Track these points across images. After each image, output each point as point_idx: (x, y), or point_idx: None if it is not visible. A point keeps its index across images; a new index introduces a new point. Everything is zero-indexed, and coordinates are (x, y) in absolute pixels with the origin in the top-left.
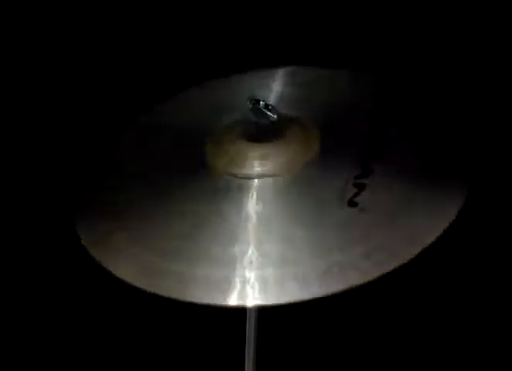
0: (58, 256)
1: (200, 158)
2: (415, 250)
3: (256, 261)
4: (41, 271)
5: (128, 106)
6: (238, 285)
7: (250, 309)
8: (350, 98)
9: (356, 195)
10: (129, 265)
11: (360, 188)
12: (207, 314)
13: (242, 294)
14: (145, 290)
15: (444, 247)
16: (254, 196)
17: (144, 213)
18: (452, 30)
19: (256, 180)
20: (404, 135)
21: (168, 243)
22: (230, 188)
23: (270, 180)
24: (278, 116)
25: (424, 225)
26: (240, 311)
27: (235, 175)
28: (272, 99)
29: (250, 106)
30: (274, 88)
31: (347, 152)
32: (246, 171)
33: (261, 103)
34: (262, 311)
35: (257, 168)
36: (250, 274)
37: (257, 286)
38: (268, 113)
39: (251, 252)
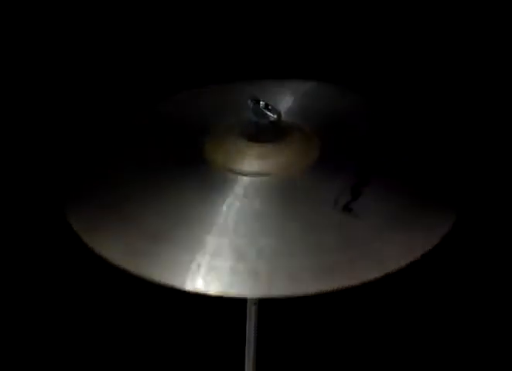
0: (49, 241)
1: (199, 153)
2: (403, 262)
3: (223, 252)
4: (34, 259)
5: (129, 100)
6: (196, 270)
7: (251, 308)
8: (351, 114)
9: (351, 201)
10: (117, 247)
11: (356, 195)
12: (207, 314)
13: (195, 279)
14: (130, 271)
15: (442, 249)
16: (244, 192)
17: (135, 198)
18: (443, 57)
19: (249, 177)
20: (401, 152)
21: (155, 228)
22: (225, 183)
23: (264, 179)
24: (279, 120)
25: (415, 239)
26: (241, 310)
27: (231, 171)
28: (278, 107)
29: (251, 105)
30: (281, 97)
31: (345, 162)
32: (243, 168)
33: (261, 103)
34: (262, 310)
35: (254, 166)
36: (212, 262)
37: (213, 275)
38: (268, 113)
39: (221, 243)
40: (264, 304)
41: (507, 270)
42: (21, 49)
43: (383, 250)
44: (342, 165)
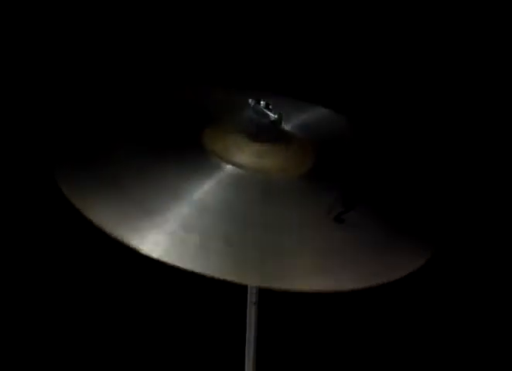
0: (40, 207)
1: (197, 139)
2: (383, 279)
3: (187, 226)
4: (28, 227)
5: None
6: (151, 235)
7: (251, 308)
8: (350, 135)
9: (344, 212)
10: (103, 209)
11: (350, 207)
12: (207, 314)
13: (147, 239)
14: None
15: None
16: (226, 181)
17: (128, 169)
18: (432, 87)
19: (236, 168)
20: (385, 179)
21: (140, 196)
22: (214, 168)
23: (253, 175)
24: (280, 122)
25: (400, 259)
26: (241, 310)
27: (226, 160)
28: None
29: (252, 105)
30: (291, 114)
31: (336, 179)
32: (235, 159)
33: (262, 103)
34: (262, 310)
35: (246, 161)
36: (178, 233)
37: (163, 243)
38: (268, 113)
39: (189, 216)
40: (264, 304)
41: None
42: (18, 30)
43: (366, 264)
44: (332, 181)
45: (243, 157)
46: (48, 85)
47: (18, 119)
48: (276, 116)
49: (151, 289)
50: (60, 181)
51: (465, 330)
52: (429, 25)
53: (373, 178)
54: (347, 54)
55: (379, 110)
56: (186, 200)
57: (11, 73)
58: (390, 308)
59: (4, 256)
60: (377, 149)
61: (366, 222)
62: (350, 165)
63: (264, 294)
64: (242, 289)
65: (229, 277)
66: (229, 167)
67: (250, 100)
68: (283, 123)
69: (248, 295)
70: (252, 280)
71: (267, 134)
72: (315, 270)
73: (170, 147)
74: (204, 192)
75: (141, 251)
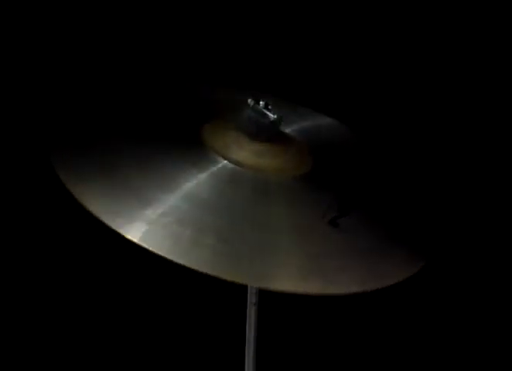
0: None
1: (197, 131)
2: (373, 286)
3: (175, 218)
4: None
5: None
6: (143, 223)
7: (250, 309)
8: (347, 146)
9: (338, 217)
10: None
11: (345, 212)
12: (207, 315)
13: (135, 227)
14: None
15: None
16: (215, 172)
17: (126, 158)
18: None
19: (225, 161)
20: (380, 189)
21: (134, 182)
22: (212, 163)
23: (250, 173)
24: (279, 123)
25: (392, 266)
26: (240, 311)
27: (223, 156)
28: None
29: (251, 104)
30: (292, 119)
31: (332, 185)
32: (232, 155)
33: (261, 103)
34: (262, 310)
35: (243, 158)
36: (163, 221)
37: (151, 232)
38: (268, 113)
39: (182, 209)
40: (264, 304)
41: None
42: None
43: (355, 269)
44: (329, 185)
45: (241, 154)
46: (47, 73)
47: (16, 107)
48: (275, 116)
49: (150, 289)
50: (58, 167)
51: (462, 334)
52: (432, 32)
53: (369, 185)
54: (348, 61)
55: (376, 119)
56: (181, 193)
57: (8, 62)
58: (390, 308)
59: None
60: (373, 157)
61: (359, 228)
62: (347, 171)
63: (264, 294)
64: (242, 289)
65: (219, 274)
66: (226, 162)
67: (249, 100)
68: (283, 127)
69: (248, 296)
70: (240, 278)
71: (266, 134)
72: (302, 272)
73: (170, 138)
74: (200, 186)
75: (130, 238)
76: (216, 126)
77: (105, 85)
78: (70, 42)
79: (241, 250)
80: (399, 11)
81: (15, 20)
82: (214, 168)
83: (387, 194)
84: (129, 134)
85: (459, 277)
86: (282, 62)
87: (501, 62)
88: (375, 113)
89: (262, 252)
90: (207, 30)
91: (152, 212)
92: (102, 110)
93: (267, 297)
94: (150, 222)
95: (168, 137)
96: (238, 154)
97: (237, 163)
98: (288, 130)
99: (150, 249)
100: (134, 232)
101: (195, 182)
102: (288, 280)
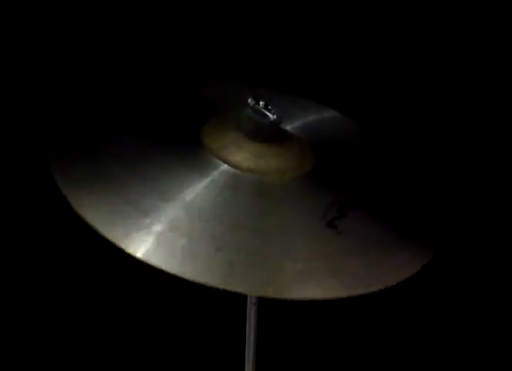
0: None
1: (196, 134)
2: (374, 288)
3: (179, 229)
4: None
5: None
6: (141, 236)
7: (250, 309)
8: (351, 140)
9: (337, 218)
10: (96, 207)
11: (343, 214)
12: (207, 315)
13: (137, 241)
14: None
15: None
16: (215, 178)
17: (124, 165)
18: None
19: (226, 165)
20: (386, 184)
21: (129, 188)
22: (210, 168)
23: (248, 175)
24: (279, 123)
25: (392, 266)
26: (240, 311)
27: (223, 160)
28: (286, 120)
29: (251, 104)
30: (293, 113)
31: (334, 183)
32: (232, 159)
33: (261, 103)
34: (262, 311)
35: (244, 161)
36: (166, 235)
37: (153, 244)
38: (268, 113)
39: (183, 220)
40: (263, 304)
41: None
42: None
43: (355, 272)
44: (331, 184)
45: (241, 156)
46: (45, 79)
47: (15, 113)
48: (275, 117)
49: (150, 289)
50: (56, 176)
51: (464, 335)
52: (439, 24)
53: (372, 182)
54: (353, 57)
55: (381, 114)
56: (179, 201)
57: (8, 68)
58: (390, 309)
59: None
60: (376, 151)
61: (360, 227)
62: (349, 168)
63: None
64: None
65: (215, 284)
66: (225, 167)
67: (249, 100)
68: (284, 123)
69: (248, 296)
70: (238, 287)
71: (266, 134)
72: (302, 278)
73: (169, 143)
74: (198, 192)
75: (126, 250)
76: (215, 127)
77: (103, 90)
78: (67, 46)
79: (238, 257)
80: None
81: (14, 27)
82: (214, 173)
83: (389, 191)
84: (128, 139)
85: (462, 275)
86: (282, 53)
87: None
88: (379, 106)
89: (258, 258)
90: (201, 24)
91: (151, 222)
92: (100, 115)
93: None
94: (152, 235)
95: (167, 141)
96: (238, 156)
97: (236, 166)
98: (289, 126)
99: (147, 262)
100: (135, 245)
101: (194, 189)
102: (285, 287)
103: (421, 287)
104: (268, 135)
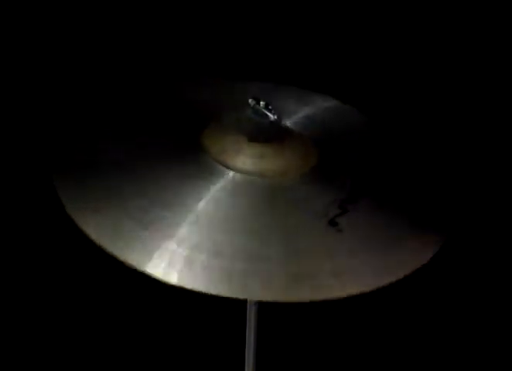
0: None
1: (197, 142)
2: (381, 282)
3: (193, 243)
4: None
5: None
6: (164, 257)
7: (250, 310)
8: (355, 130)
9: (338, 215)
10: (100, 224)
11: (345, 210)
12: (207, 316)
13: (162, 265)
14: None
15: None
16: (224, 185)
17: (127, 179)
18: (436, 76)
19: (233, 172)
20: (394, 173)
21: (132, 202)
22: (215, 175)
23: (253, 179)
24: (279, 122)
25: (396, 260)
26: (240, 312)
27: (225, 165)
28: (286, 115)
29: (251, 105)
30: (287, 105)
31: (339, 177)
32: (236, 163)
33: (262, 103)
34: (262, 312)
35: (247, 164)
36: (180, 251)
37: (179, 265)
38: (268, 113)
39: (194, 233)
40: (263, 305)
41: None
42: (15, 32)
43: (358, 269)
44: (335, 178)
45: (241, 159)
46: (44, 90)
47: (17, 125)
48: (275, 117)
49: (150, 289)
50: (63, 198)
51: (467, 333)
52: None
53: (376, 173)
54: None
55: (385, 102)
56: (183, 210)
57: (7, 83)
58: (391, 310)
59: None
60: (381, 141)
61: (362, 223)
62: (354, 161)
63: None
64: None
65: (214, 291)
66: (227, 173)
67: (250, 100)
68: (285, 118)
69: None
70: (239, 294)
71: (267, 134)
72: (301, 279)
73: (171, 153)
74: (202, 201)
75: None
76: (215, 130)
77: (100, 96)
78: (67, 52)
79: (238, 263)
80: None
81: (15, 38)
82: (216, 181)
83: (395, 180)
84: (130, 151)
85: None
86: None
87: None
88: (383, 93)
89: (258, 263)
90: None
91: (156, 236)
92: (98, 124)
93: None
94: (160, 249)
95: (168, 149)
96: (238, 159)
97: (237, 170)
98: (289, 121)
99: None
100: (152, 266)
101: (197, 200)
102: (286, 290)
103: (421, 288)
104: (269, 135)
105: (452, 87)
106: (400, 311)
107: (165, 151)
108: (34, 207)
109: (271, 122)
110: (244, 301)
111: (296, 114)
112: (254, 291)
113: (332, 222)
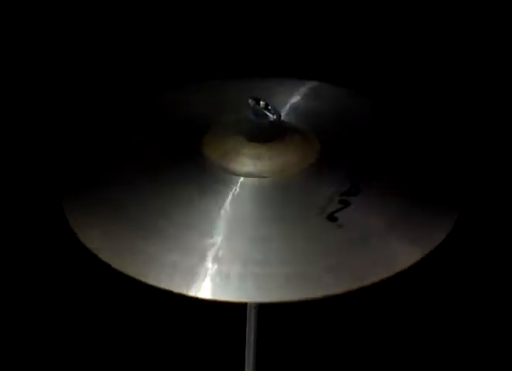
0: (46, 236)
1: (197, 150)
2: (382, 275)
3: (222, 256)
4: (32, 256)
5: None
6: (200, 276)
7: (251, 308)
8: (356, 118)
9: (337, 210)
10: (109, 245)
11: (344, 205)
12: (207, 317)
13: (201, 285)
14: (110, 264)
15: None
16: (236, 193)
17: (132, 195)
18: (441, 59)
19: (242, 178)
20: (396, 162)
21: (143, 222)
22: (217, 181)
23: (256, 180)
24: (280, 121)
25: (398, 252)
26: (241, 314)
27: (225, 170)
28: (284, 107)
29: (251, 105)
30: (289, 98)
31: (341, 168)
32: (236, 167)
33: (262, 103)
34: (262, 313)
35: (247, 166)
36: (213, 267)
37: (217, 279)
38: (268, 113)
39: (219, 246)
40: (263, 307)
41: (507, 271)
42: (19, 47)
43: (363, 260)
44: (338, 170)
45: (241, 161)
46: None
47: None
48: (275, 116)
49: (150, 290)
50: (67, 211)
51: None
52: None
53: (380, 158)
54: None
55: (387, 85)
56: (202, 225)
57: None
58: (392, 311)
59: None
60: (385, 125)
61: (364, 216)
62: (356, 149)
63: None
64: None
65: (212, 297)
66: (236, 179)
67: (249, 101)
68: (283, 113)
69: None
70: (236, 297)
71: (267, 134)
72: (300, 278)
73: (173, 168)
74: (217, 213)
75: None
76: (215, 134)
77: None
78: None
79: (236, 267)
80: None
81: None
82: (217, 186)
83: (400, 164)
84: (134, 169)
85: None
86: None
87: None
88: (386, 77)
89: (255, 265)
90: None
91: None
92: (101, 147)
93: None
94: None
95: (171, 162)
96: (238, 162)
97: (237, 173)
98: (289, 115)
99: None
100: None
101: (194, 209)
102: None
103: (421, 284)
104: (269, 135)
105: (457, 71)
106: (400, 311)
107: (169, 168)
108: (42, 226)
109: (271, 122)
110: (245, 304)
111: (295, 107)
112: (252, 294)
113: (331, 217)
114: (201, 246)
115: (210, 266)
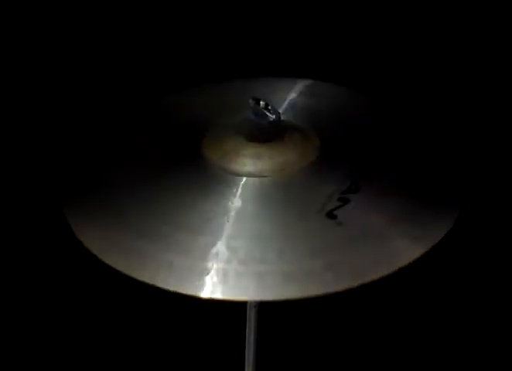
0: (48, 239)
1: (198, 152)
2: (382, 272)
3: (222, 255)
4: (33, 257)
5: (128, 98)
6: (200, 275)
7: (251, 307)
8: (356, 116)
9: (337, 208)
10: (112, 247)
11: (344, 202)
12: (207, 317)
13: (200, 284)
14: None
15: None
16: (238, 193)
17: (133, 197)
18: (441, 57)
19: (244, 178)
20: (397, 159)
21: (146, 224)
22: (219, 182)
23: (257, 180)
24: (280, 121)
25: (398, 249)
26: (240, 313)
27: (225, 170)
28: (281, 106)
29: (251, 105)
30: (286, 96)
31: (341, 166)
32: (237, 167)
33: (262, 103)
34: (262, 313)
35: (248, 166)
36: (213, 266)
37: (215, 278)
38: (268, 113)
39: (219, 245)
40: (263, 306)
41: (507, 270)
42: (23, 49)
43: (363, 258)
44: (338, 168)
45: (241, 161)
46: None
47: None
48: (275, 116)
49: (150, 290)
50: (68, 216)
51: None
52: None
53: (380, 157)
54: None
55: (387, 82)
56: (204, 227)
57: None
58: (392, 311)
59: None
60: (385, 123)
61: (363, 213)
62: (356, 146)
63: None
64: None
65: (212, 296)
66: (237, 179)
67: (250, 101)
68: (283, 111)
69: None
70: (233, 296)
71: (267, 134)
72: (299, 276)
73: (175, 171)
74: (220, 213)
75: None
76: (215, 136)
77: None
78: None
79: (235, 266)
80: None
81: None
82: (217, 187)
83: (400, 162)
84: (135, 173)
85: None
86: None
87: None
88: (385, 74)
89: (253, 264)
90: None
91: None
92: (102, 149)
93: None
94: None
95: (172, 164)
96: (238, 162)
97: (237, 173)
98: (288, 114)
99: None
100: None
101: (222, 213)
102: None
103: (421, 285)
104: (269, 135)
105: (457, 69)
106: (400, 309)
107: (169, 170)
108: (42, 227)
109: (271, 122)
110: (245, 303)
111: (294, 106)
112: (251, 292)
113: (331, 215)
114: (202, 246)
115: (211, 265)
